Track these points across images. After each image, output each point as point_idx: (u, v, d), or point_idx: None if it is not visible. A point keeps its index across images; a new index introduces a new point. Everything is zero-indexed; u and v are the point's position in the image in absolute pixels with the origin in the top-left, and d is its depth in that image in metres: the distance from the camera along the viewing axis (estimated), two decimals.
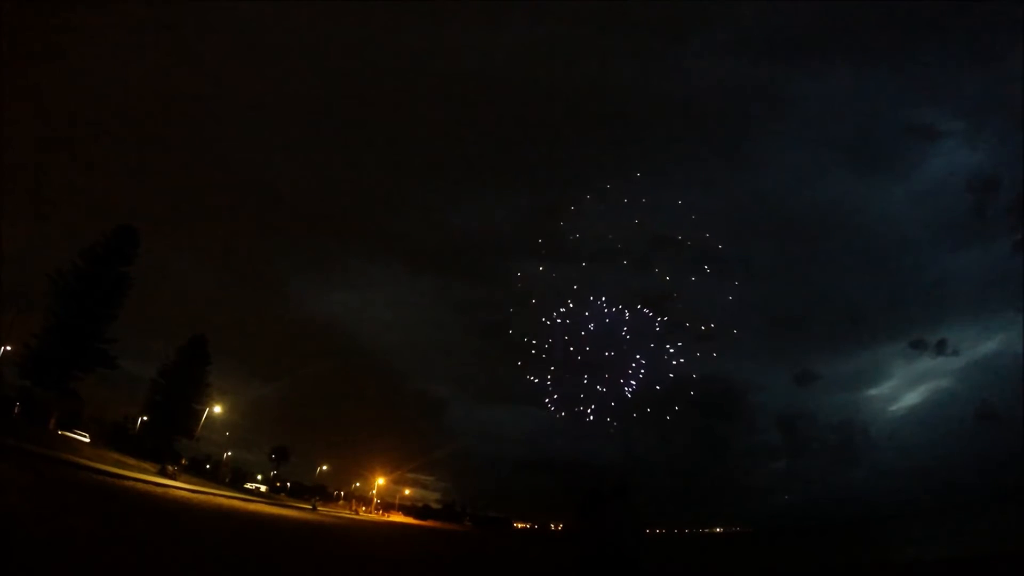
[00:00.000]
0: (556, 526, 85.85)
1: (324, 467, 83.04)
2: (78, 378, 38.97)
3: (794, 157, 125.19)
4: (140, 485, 22.64)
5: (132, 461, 33.76)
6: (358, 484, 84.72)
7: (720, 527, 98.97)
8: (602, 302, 32.39)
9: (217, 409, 50.53)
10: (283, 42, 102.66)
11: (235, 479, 65.13)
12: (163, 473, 33.59)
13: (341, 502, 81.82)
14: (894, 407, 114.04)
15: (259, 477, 74.66)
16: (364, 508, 79.45)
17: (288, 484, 77.53)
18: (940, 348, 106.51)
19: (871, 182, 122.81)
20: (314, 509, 51.10)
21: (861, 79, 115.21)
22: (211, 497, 28.55)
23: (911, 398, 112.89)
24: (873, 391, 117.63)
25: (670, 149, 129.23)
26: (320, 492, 78.42)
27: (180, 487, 28.55)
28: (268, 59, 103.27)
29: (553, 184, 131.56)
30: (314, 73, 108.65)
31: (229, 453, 69.79)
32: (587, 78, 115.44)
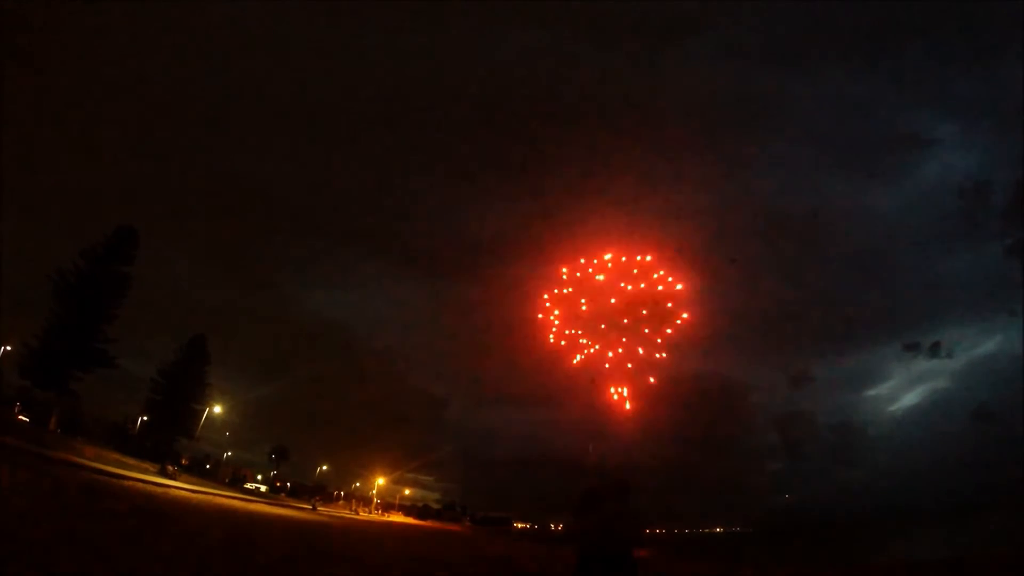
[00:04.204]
0: (556, 526, 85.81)
1: (324, 467, 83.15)
2: (78, 378, 38.98)
3: (788, 160, 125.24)
4: (140, 485, 22.66)
5: (132, 461, 33.79)
6: (358, 484, 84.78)
7: (720, 527, 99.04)
8: (599, 303, 32.40)
9: (217, 409, 50.59)
10: (283, 43, 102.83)
11: (235, 479, 65.15)
12: (163, 473, 33.63)
13: (341, 502, 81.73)
14: (892, 408, 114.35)
15: (259, 477, 74.72)
16: (364, 508, 79.43)
17: (288, 484, 77.49)
18: (934, 351, 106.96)
19: (864, 186, 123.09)
20: (314, 509, 51.10)
21: (854, 83, 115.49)
22: (211, 497, 28.55)
23: (909, 399, 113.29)
24: (871, 392, 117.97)
25: (665, 152, 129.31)
26: (320, 492, 78.29)
27: (180, 487, 28.57)
28: (268, 60, 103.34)
29: (550, 186, 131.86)
30: (315, 74, 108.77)
31: (229, 453, 69.88)
32: (583, 81, 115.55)
